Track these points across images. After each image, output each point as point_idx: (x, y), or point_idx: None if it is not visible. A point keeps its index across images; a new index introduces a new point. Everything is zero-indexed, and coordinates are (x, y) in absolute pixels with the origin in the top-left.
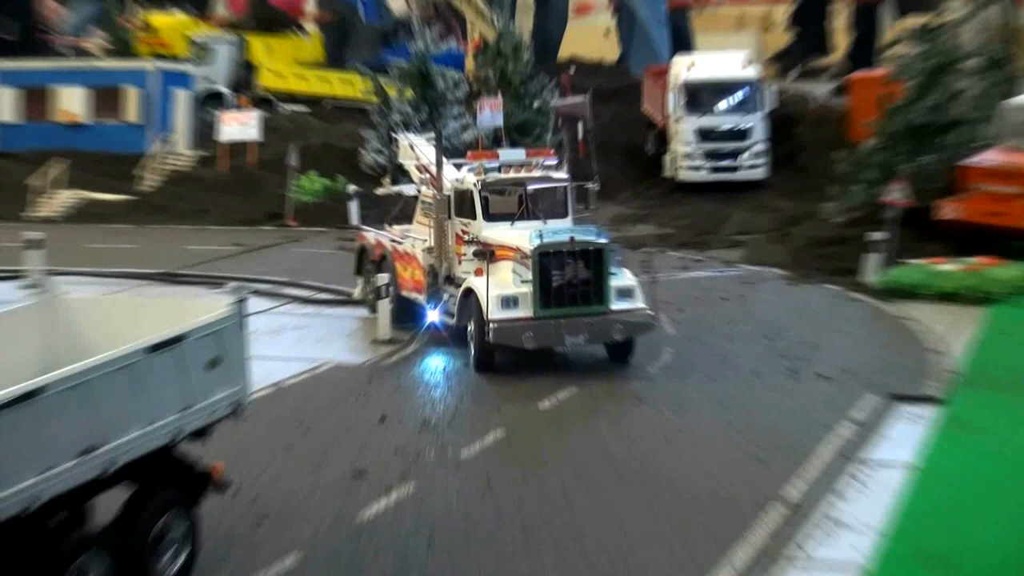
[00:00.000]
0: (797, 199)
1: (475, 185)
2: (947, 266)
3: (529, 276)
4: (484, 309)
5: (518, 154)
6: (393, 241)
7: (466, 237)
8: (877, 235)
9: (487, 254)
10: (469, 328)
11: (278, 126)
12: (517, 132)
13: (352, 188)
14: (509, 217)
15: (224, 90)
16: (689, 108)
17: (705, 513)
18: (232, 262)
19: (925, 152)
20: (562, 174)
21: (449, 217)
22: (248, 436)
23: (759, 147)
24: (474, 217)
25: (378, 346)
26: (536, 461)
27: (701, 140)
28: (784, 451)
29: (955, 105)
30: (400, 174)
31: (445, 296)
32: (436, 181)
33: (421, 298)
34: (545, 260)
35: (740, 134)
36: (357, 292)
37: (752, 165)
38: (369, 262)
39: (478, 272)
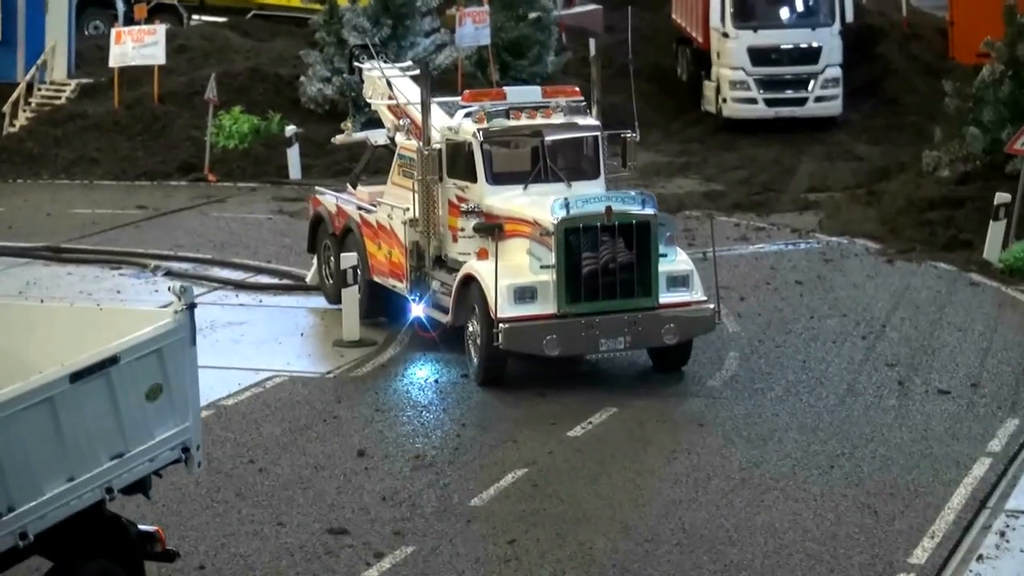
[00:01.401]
0: (884, 144)
1: (475, 136)
2: None
3: (551, 260)
4: (491, 304)
5: (532, 92)
6: (361, 209)
7: (463, 206)
8: (1006, 197)
9: (493, 230)
10: (470, 328)
11: (188, 45)
12: (509, 53)
13: (292, 130)
14: (521, 179)
15: None
16: (740, 19)
17: None
18: (136, 232)
19: None
20: (591, 120)
21: (439, 179)
22: (183, 478)
23: (833, 73)
24: (474, 179)
25: (343, 350)
26: (572, 513)
27: (756, 63)
28: (903, 498)
29: None
30: (357, 112)
31: (434, 284)
32: (420, 130)
33: (401, 286)
34: (573, 238)
35: (809, 55)
36: (311, 276)
37: (823, 97)
38: (328, 236)
39: (482, 254)
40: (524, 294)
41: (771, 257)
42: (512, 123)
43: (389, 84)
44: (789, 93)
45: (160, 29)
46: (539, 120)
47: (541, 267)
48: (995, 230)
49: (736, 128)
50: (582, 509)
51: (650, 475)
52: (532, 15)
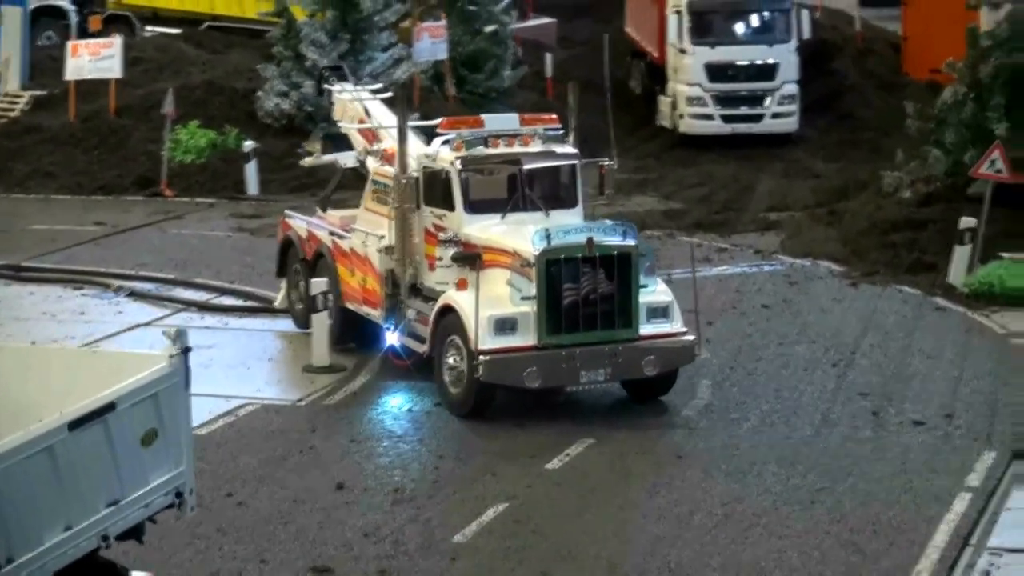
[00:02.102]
0: (841, 160)
1: (453, 164)
2: None
3: (531, 291)
4: (472, 335)
5: (509, 120)
6: (334, 235)
7: (441, 236)
8: (971, 221)
9: (471, 259)
10: (448, 361)
11: (143, 57)
12: (465, 67)
13: (249, 145)
14: (499, 207)
15: (67, 5)
16: (697, 35)
17: None
18: (96, 249)
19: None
20: (568, 148)
21: (416, 207)
22: (163, 512)
23: (790, 89)
24: (451, 208)
25: (314, 376)
26: (557, 550)
27: (713, 79)
28: (886, 535)
29: None
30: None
31: (410, 313)
32: (399, 157)
33: (375, 314)
34: (554, 269)
35: (766, 71)
36: (280, 300)
37: (780, 114)
38: (298, 260)
39: (461, 284)
40: (504, 325)
41: (736, 280)
42: (490, 151)
43: (367, 111)
44: (745, 109)
45: (117, 42)
46: (517, 148)
47: (522, 298)
48: (960, 254)
49: (692, 144)
50: (567, 546)
51: (633, 510)
52: (488, 29)
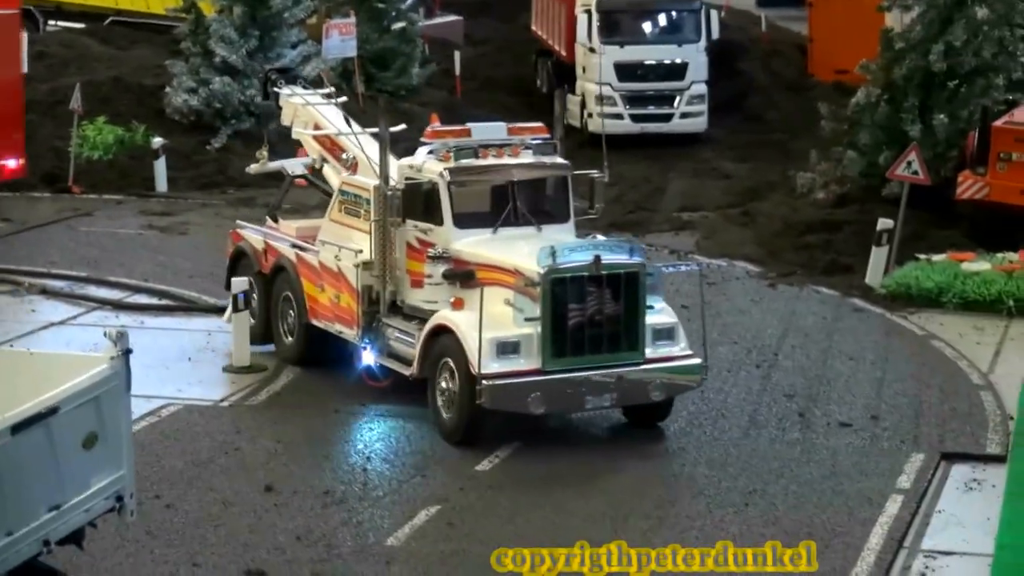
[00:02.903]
0: (750, 161)
1: (442, 176)
2: (975, 264)
3: (533, 311)
4: (473, 359)
5: (497, 129)
6: (297, 247)
7: (430, 252)
8: (888, 222)
9: (464, 277)
10: (441, 384)
11: (48, 52)
12: (374, 65)
13: (158, 142)
14: (488, 221)
15: None
16: (606, 35)
17: None
18: (4, 247)
19: (937, 109)
20: (559, 159)
21: (403, 221)
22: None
23: (699, 89)
24: (438, 221)
25: (235, 376)
26: (492, 554)
27: (622, 79)
28: (821, 538)
29: (975, 46)
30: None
31: (390, 332)
32: (381, 168)
33: (350, 332)
34: (560, 289)
35: (675, 71)
36: (227, 314)
37: (689, 113)
38: (252, 273)
39: (457, 303)
40: (507, 348)
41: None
42: (481, 162)
43: (349, 122)
44: (654, 109)
45: (23, 38)
46: (507, 159)
47: (525, 319)
48: (877, 256)
49: (600, 143)
50: (502, 550)
51: (566, 514)
52: (396, 27)
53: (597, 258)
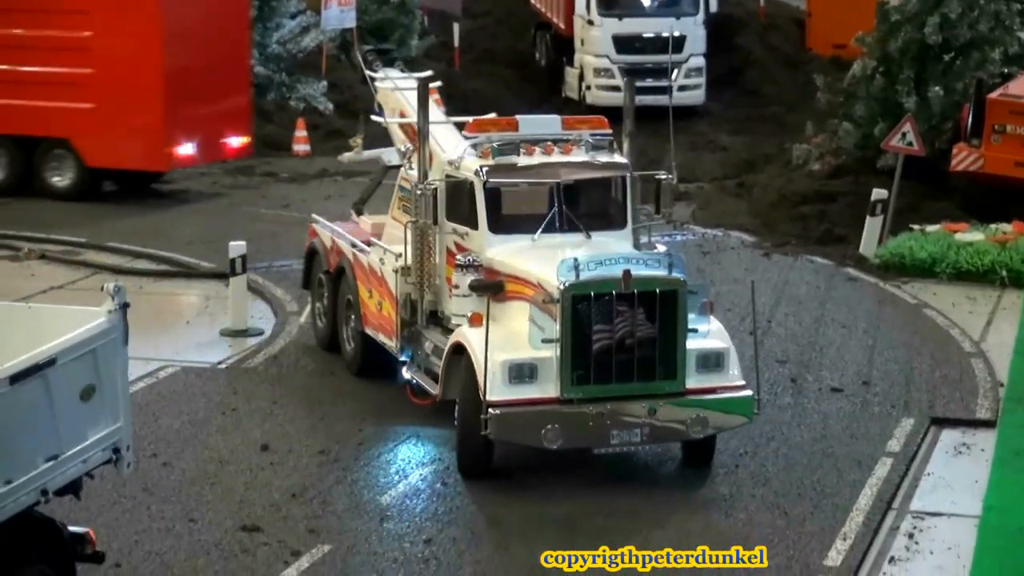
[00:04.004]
0: (747, 134)
1: (477, 174)
2: (969, 235)
3: (555, 331)
4: (480, 382)
5: (550, 123)
6: (355, 247)
7: (459, 258)
8: (882, 193)
9: (492, 289)
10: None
11: None
12: (373, 36)
13: None
14: (531, 227)
15: None
16: (604, 7)
17: None
18: (3, 212)
19: (932, 82)
20: (618, 157)
21: (434, 222)
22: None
23: (696, 62)
24: (475, 225)
25: (232, 339)
26: (485, 513)
27: (620, 51)
28: (811, 499)
29: (971, 19)
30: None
31: (427, 346)
32: (419, 162)
33: (391, 344)
34: (583, 307)
35: (672, 44)
36: (305, 316)
37: (686, 86)
38: (322, 272)
39: (475, 319)
40: (521, 372)
41: None
42: (523, 160)
43: (402, 97)
44: (652, 82)
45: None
46: (556, 157)
47: (543, 340)
48: (871, 225)
49: (599, 115)
50: (495, 510)
51: (563, 473)
52: None
53: (626, 273)
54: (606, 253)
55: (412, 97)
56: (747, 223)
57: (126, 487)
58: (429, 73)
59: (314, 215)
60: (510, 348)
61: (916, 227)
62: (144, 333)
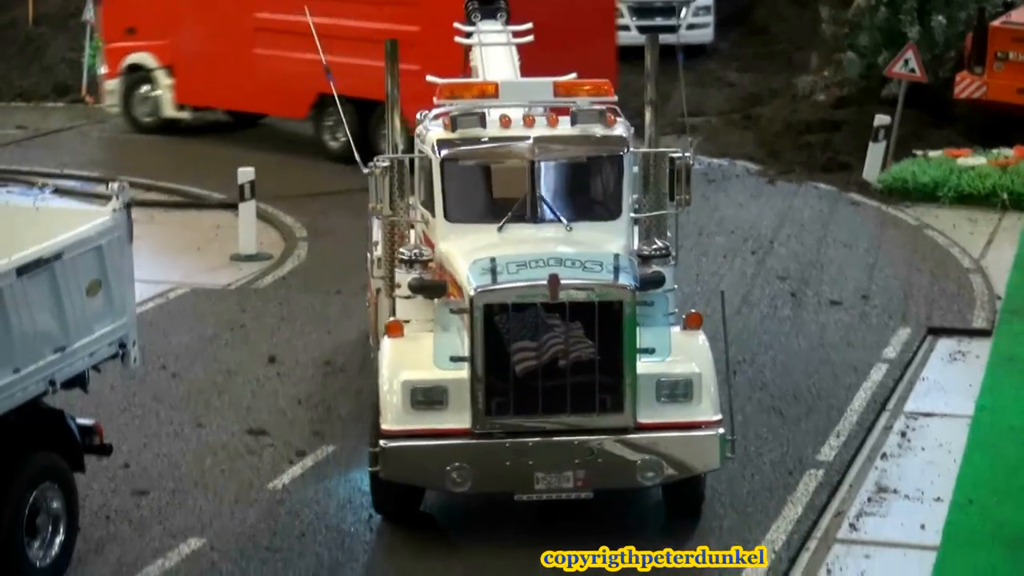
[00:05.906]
0: (754, 72)
1: (434, 149)
2: (971, 159)
3: (462, 347)
4: (379, 408)
5: (538, 88)
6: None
7: (403, 251)
8: (885, 119)
9: (432, 290)
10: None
11: None
12: None
13: None
14: (492, 215)
15: None
16: None
17: (722, 488)
18: (19, 151)
19: (935, 11)
20: (615, 131)
21: (390, 207)
22: (98, 382)
23: (704, 1)
24: (434, 212)
25: (241, 263)
26: None
27: None
28: (806, 401)
29: None
30: None
31: None
32: (389, 133)
33: (372, 344)
34: (501, 320)
35: None
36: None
37: (695, 24)
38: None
39: (392, 329)
40: (429, 396)
41: None
42: (490, 132)
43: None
44: (661, 20)
45: None
46: (538, 129)
47: (452, 358)
48: (874, 151)
49: None
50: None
51: None
52: None
53: (553, 278)
54: (535, 252)
55: (494, 57)
56: (752, 152)
57: (136, 396)
58: (529, 25)
59: None
60: (416, 366)
61: (919, 153)
62: (155, 258)
